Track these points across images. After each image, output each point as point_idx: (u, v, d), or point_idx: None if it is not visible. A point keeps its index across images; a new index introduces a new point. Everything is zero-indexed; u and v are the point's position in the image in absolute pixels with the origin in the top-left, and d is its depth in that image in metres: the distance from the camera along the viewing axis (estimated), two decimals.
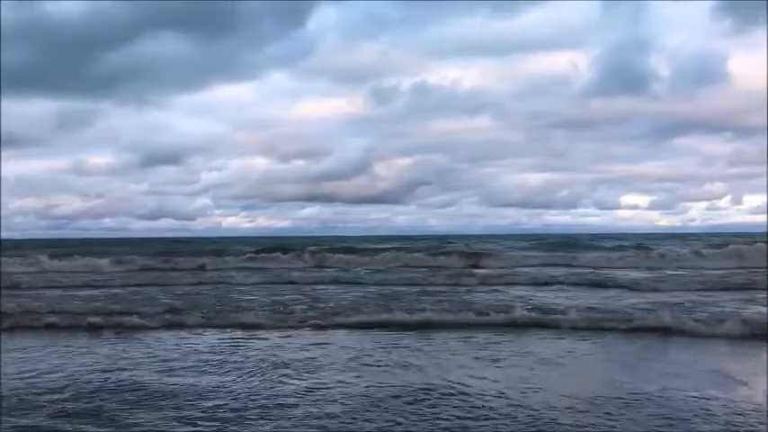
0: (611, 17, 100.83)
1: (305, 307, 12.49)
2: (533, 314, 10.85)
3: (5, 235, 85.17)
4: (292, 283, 18.82)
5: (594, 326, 9.90)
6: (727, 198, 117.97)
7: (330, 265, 25.16)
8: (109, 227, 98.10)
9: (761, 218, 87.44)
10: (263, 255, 28.68)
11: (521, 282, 17.95)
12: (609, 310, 11.62)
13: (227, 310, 12.22)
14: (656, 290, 15.26)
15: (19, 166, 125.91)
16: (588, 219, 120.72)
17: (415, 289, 16.22)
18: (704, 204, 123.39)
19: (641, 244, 38.42)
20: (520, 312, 10.87)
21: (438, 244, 42.67)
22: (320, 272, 22.31)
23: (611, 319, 10.27)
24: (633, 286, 16.06)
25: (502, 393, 6.08)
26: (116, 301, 13.77)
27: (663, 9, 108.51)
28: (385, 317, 10.89)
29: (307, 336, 9.68)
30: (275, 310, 12.05)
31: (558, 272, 20.47)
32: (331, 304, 12.95)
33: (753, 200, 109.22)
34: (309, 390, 6.30)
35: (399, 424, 5.22)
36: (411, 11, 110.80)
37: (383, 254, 28.04)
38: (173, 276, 20.79)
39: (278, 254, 28.27)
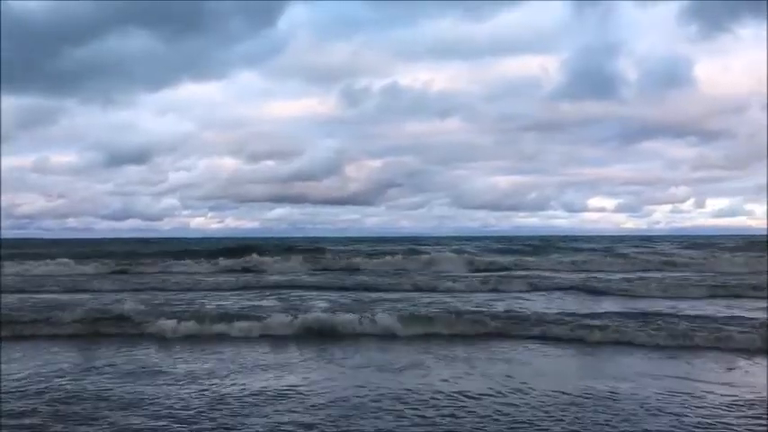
0: (581, 21, 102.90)
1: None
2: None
3: None
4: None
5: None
6: (691, 201, 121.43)
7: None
8: (73, 227, 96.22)
9: (723, 221, 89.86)
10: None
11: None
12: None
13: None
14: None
15: None
16: (556, 221, 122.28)
17: None
18: (668, 207, 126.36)
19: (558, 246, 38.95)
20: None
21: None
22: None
23: None
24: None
25: None
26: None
27: (631, 13, 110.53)
28: None
29: None
30: None
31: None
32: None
33: (715, 203, 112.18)
34: None
35: None
36: (383, 12, 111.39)
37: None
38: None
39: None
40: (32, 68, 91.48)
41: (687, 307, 12.27)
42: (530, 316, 10.57)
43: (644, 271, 22.14)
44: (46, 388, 6.62)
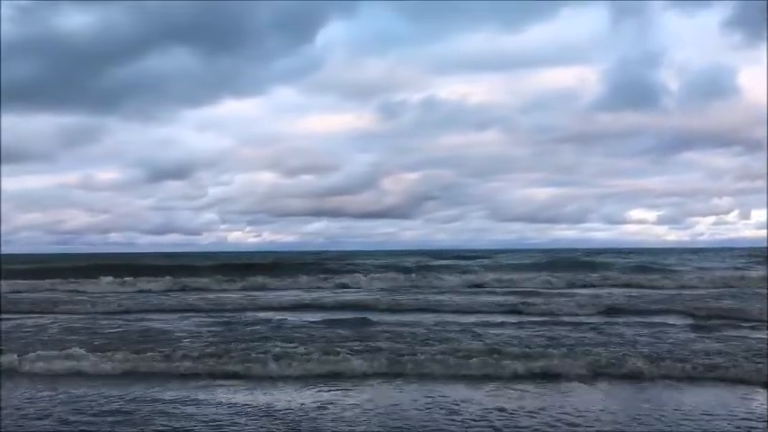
0: (620, 32, 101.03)
1: None
2: None
3: (10, 250, 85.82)
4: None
5: None
6: (735, 213, 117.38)
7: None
8: (115, 242, 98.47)
9: None
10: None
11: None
12: None
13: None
14: None
15: (25, 181, 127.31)
16: (595, 233, 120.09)
17: None
18: (712, 219, 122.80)
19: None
20: None
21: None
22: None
23: None
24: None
25: None
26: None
27: (672, 22, 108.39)
28: None
29: None
30: None
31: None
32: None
33: (761, 214, 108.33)
34: None
35: None
36: (419, 27, 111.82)
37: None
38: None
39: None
40: (75, 88, 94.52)
41: None
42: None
43: None
44: None
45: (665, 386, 7.64)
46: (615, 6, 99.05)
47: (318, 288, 23.06)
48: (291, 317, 14.08)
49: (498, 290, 21.13)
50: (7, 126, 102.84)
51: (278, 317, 13.95)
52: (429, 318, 13.79)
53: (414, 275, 26.51)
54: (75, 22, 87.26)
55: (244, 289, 23.06)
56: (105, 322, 13.48)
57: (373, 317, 13.57)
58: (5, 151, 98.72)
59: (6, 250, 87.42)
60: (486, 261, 41.01)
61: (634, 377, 7.95)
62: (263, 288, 23.28)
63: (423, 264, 36.91)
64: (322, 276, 26.92)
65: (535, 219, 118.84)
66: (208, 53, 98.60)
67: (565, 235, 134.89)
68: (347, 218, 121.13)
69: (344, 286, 23.65)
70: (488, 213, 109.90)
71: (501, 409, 6.57)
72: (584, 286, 22.82)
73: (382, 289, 22.24)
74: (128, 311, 16.13)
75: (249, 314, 14.88)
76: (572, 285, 22.91)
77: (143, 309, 16.67)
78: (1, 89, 73.31)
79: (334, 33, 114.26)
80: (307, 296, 19.45)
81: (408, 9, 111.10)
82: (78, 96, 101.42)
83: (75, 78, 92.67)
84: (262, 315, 14.53)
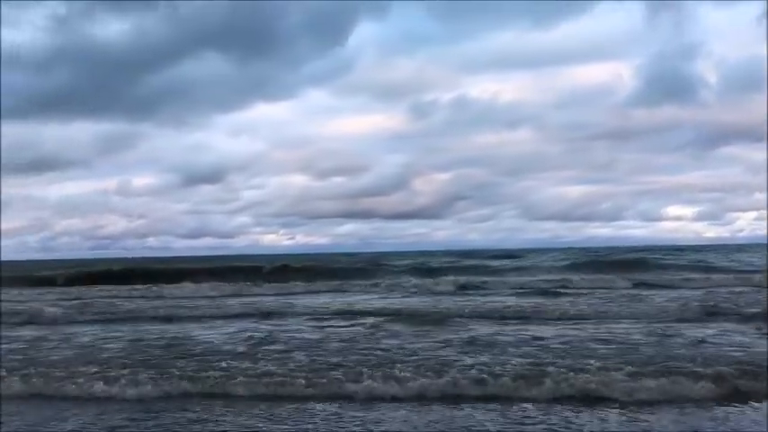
0: (655, 26, 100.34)
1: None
2: None
3: (51, 256, 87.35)
4: None
5: None
6: None
7: None
8: (151, 246, 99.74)
9: None
10: None
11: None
12: None
13: None
14: None
15: (64, 187, 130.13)
16: (631, 231, 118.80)
17: None
18: (753, 214, 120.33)
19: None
20: None
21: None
22: None
23: None
24: None
25: None
26: None
27: (709, 16, 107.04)
28: None
29: None
30: None
31: None
32: None
33: None
34: None
35: None
36: (449, 26, 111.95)
37: None
38: None
39: None
40: (111, 95, 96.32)
41: None
42: None
43: None
44: None
45: None
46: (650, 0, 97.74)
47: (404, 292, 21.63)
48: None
49: (583, 291, 19.69)
50: (48, 134, 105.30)
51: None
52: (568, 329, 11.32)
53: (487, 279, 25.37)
54: (111, 30, 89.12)
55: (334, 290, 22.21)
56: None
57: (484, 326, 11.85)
58: (47, 159, 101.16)
59: (47, 256, 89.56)
60: (543, 259, 39.95)
61: None
62: (364, 291, 22.15)
63: (486, 265, 36.12)
64: (386, 280, 26.23)
65: (568, 217, 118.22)
66: (240, 58, 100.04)
67: (599, 233, 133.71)
68: (378, 219, 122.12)
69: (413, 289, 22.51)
70: (520, 212, 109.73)
71: None
72: (665, 287, 20.86)
73: (462, 291, 21.25)
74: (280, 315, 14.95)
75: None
76: (669, 286, 21.10)
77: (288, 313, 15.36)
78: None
79: (364, 35, 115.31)
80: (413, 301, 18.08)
81: (438, 8, 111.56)
82: (115, 104, 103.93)
83: (111, 86, 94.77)
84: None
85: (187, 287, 23.54)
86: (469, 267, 33.48)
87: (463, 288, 22.13)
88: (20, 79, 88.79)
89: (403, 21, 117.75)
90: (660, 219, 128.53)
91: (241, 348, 9.87)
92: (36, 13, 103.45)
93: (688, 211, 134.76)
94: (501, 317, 13.57)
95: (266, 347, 9.94)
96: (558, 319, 13.01)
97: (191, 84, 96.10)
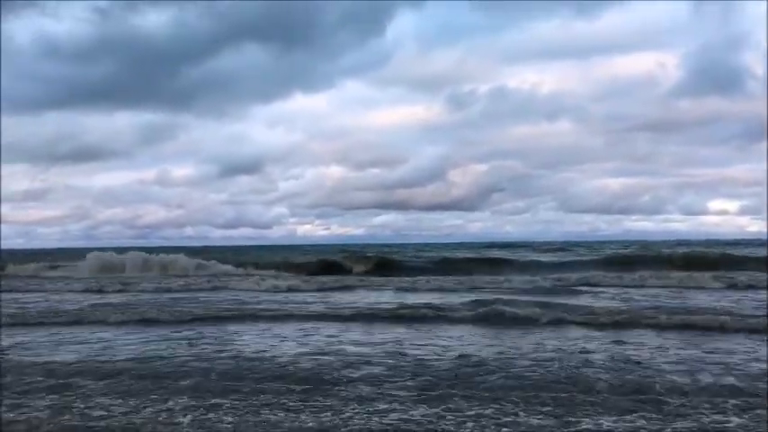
0: (700, 15, 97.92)
1: None
2: None
3: (94, 244, 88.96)
4: None
5: None
6: None
7: None
8: (189, 235, 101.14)
9: None
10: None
11: None
12: None
13: None
14: None
15: (106, 178, 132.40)
16: (672, 225, 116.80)
17: None
18: None
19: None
20: None
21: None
22: None
23: None
24: None
25: None
26: None
27: (757, 6, 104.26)
28: None
29: None
30: None
31: None
32: None
33: None
34: None
35: None
36: (490, 16, 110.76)
37: None
38: None
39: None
40: (152, 87, 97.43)
41: None
42: None
43: None
44: None
45: None
46: None
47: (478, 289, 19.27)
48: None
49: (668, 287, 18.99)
50: (90, 125, 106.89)
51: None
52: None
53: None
54: (151, 21, 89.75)
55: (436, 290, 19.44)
56: None
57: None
58: (89, 149, 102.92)
59: (91, 244, 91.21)
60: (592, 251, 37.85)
61: None
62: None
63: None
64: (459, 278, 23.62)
65: (608, 210, 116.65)
66: (278, 49, 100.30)
67: (639, 226, 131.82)
68: (414, 210, 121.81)
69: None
70: (558, 204, 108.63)
71: None
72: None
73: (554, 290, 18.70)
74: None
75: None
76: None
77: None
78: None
79: (403, 26, 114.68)
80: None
81: None
82: (155, 95, 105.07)
83: (152, 77, 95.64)
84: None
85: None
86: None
87: None
88: (62, 70, 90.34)
89: (442, 12, 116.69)
90: (703, 213, 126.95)
91: None
92: (78, 5, 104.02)
93: (731, 205, 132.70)
94: None
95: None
96: None
97: (230, 75, 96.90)
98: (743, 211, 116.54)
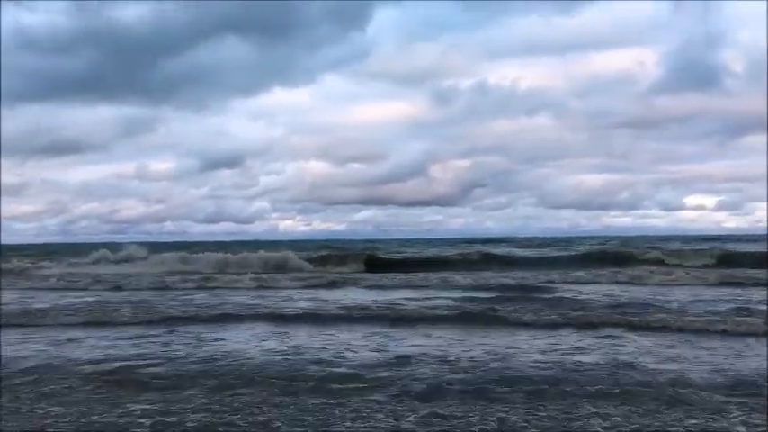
0: (680, 12, 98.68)
1: None
2: None
3: (70, 239, 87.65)
4: None
5: None
6: None
7: None
8: (169, 231, 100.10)
9: None
10: None
11: None
12: None
13: None
14: None
15: (83, 172, 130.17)
16: (650, 220, 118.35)
17: None
18: None
19: None
20: None
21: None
22: None
23: None
24: None
25: None
26: None
27: (735, 4, 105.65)
28: None
29: None
30: None
31: None
32: None
33: None
34: None
35: None
36: (471, 12, 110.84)
37: None
38: None
39: None
40: (131, 79, 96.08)
41: None
42: None
43: None
44: None
45: None
46: None
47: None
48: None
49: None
50: (67, 118, 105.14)
51: None
52: None
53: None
54: (130, 13, 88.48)
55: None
56: None
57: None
58: (66, 143, 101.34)
59: (66, 239, 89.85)
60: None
61: None
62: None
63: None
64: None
65: (587, 206, 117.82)
66: (259, 43, 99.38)
67: (617, 222, 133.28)
68: (395, 206, 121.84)
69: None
70: (538, 200, 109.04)
71: None
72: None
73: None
74: None
75: None
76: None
77: None
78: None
79: (384, 20, 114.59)
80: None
81: None
82: (134, 88, 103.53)
83: (130, 70, 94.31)
84: None
85: None
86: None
87: None
88: (39, 62, 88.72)
89: (423, 6, 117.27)
90: (680, 208, 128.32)
91: None
92: None
93: (709, 200, 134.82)
94: None
95: None
96: None
97: (210, 68, 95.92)
98: (720, 207, 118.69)
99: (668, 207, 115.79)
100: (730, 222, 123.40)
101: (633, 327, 10.25)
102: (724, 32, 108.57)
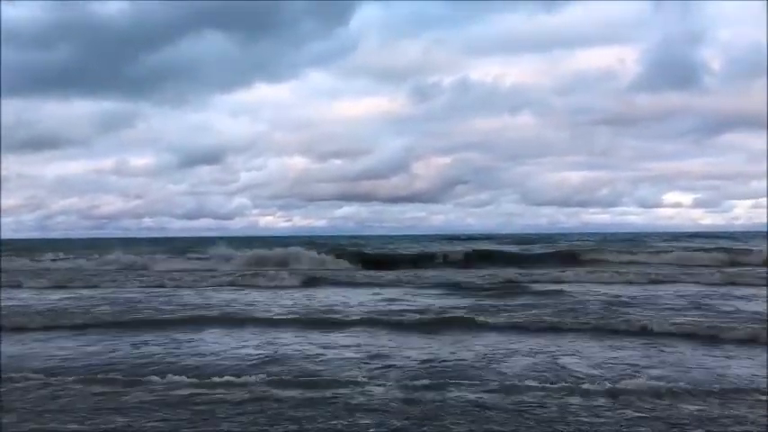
0: (661, 11, 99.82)
1: None
2: None
3: (47, 235, 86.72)
4: None
5: None
6: None
7: None
8: (148, 226, 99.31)
9: None
10: None
11: None
12: None
13: None
14: None
15: (62, 167, 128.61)
16: (629, 217, 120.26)
17: None
18: (749, 202, 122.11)
19: None
20: None
21: None
22: None
23: None
24: None
25: None
26: None
27: (714, 2, 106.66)
28: None
29: None
30: None
31: None
32: None
33: None
34: None
35: None
36: (454, 8, 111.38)
37: None
38: None
39: None
40: (111, 73, 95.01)
41: None
42: None
43: None
44: None
45: None
46: None
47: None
48: None
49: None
50: (46, 112, 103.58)
51: None
52: None
53: None
54: (110, 6, 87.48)
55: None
56: None
57: None
58: (45, 138, 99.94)
59: (44, 235, 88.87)
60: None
61: None
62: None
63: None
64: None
65: (567, 203, 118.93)
66: (241, 38, 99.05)
67: (597, 219, 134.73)
68: (377, 202, 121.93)
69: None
70: (520, 197, 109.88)
71: None
72: None
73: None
74: None
75: None
76: None
77: None
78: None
79: (368, 16, 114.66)
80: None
81: None
82: (114, 82, 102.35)
83: (110, 64, 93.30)
84: None
85: None
86: None
87: None
88: (17, 56, 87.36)
89: (406, 3, 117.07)
90: (658, 205, 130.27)
91: None
92: None
93: (686, 198, 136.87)
94: None
95: None
96: None
97: (191, 63, 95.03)
98: (697, 204, 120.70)
99: (646, 204, 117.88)
100: (707, 219, 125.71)
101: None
102: (703, 30, 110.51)
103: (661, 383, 6.57)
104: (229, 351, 8.78)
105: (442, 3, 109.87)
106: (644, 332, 9.79)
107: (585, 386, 6.49)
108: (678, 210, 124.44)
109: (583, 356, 8.21)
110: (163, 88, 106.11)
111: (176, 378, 6.96)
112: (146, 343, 9.44)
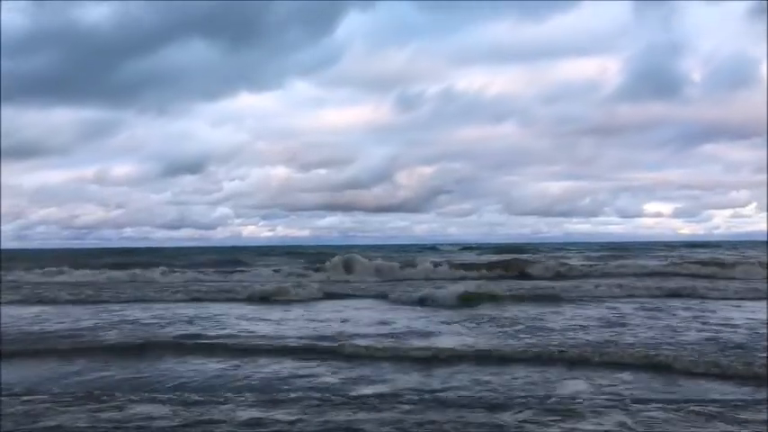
0: (643, 21, 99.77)
1: None
2: None
3: (26, 245, 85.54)
4: None
5: None
6: (753, 206, 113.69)
7: None
8: (130, 236, 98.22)
9: None
10: None
11: None
12: None
13: None
14: None
15: (42, 176, 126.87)
16: (610, 227, 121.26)
17: None
18: (729, 212, 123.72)
19: None
20: None
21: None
22: None
23: None
24: None
25: None
26: None
27: (696, 12, 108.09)
28: None
29: None
30: None
31: None
32: None
33: None
34: None
35: None
36: (438, 17, 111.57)
37: None
38: None
39: None
40: (92, 81, 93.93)
41: None
42: None
43: None
44: None
45: None
46: None
47: None
48: None
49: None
50: (26, 121, 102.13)
51: None
52: None
53: None
54: (92, 13, 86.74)
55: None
56: None
57: None
58: (24, 146, 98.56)
59: (22, 245, 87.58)
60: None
61: None
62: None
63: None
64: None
65: (549, 212, 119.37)
66: (225, 46, 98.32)
67: (578, 229, 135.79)
68: (360, 212, 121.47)
69: None
70: (503, 207, 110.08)
71: None
72: None
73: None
74: None
75: None
76: None
77: None
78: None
79: (352, 26, 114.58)
80: None
81: (428, 0, 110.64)
82: (95, 90, 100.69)
83: (92, 72, 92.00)
84: None
85: None
86: None
87: None
88: None
89: (392, 12, 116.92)
90: (638, 215, 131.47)
91: None
92: None
93: (666, 207, 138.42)
94: None
95: None
96: None
97: (174, 71, 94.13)
98: (676, 214, 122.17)
99: (627, 214, 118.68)
100: (686, 229, 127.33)
101: None
102: (685, 41, 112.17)
103: None
104: None
105: (427, 12, 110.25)
106: None
107: None
108: (658, 219, 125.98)
109: None
110: (145, 96, 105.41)
111: None
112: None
